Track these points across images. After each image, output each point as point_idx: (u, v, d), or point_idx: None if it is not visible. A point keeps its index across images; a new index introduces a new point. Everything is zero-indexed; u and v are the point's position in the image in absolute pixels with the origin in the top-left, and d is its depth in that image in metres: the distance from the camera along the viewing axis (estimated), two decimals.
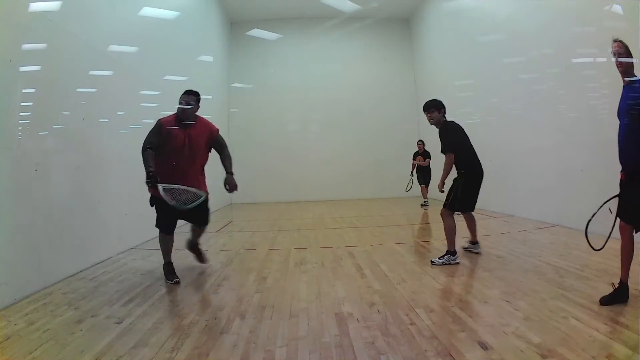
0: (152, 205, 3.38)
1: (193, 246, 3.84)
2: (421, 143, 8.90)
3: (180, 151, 3.33)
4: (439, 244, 4.61)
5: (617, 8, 4.23)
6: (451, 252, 3.69)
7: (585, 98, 4.80)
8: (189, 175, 3.34)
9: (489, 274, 3.33)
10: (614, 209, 2.54)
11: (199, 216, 3.53)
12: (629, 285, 2.48)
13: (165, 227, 3.42)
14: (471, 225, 4.08)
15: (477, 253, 3.99)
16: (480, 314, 2.43)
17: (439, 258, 3.69)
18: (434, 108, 3.88)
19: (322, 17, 10.59)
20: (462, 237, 4.10)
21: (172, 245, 3.49)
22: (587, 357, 1.83)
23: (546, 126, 5.66)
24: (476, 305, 2.59)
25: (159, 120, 3.38)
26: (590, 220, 2.56)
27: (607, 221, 2.54)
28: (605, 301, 2.43)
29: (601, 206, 2.58)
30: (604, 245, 2.59)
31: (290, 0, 10.75)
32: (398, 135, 11.34)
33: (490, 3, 7.24)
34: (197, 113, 3.48)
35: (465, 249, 4.12)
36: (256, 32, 11.35)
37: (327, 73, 11.70)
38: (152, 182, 3.09)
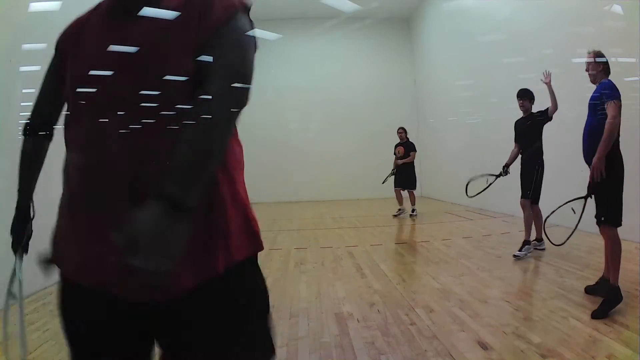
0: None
1: None
2: (402, 131, 7.14)
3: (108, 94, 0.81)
4: (439, 244, 4.62)
5: (617, 8, 4.23)
6: (528, 241, 3.77)
7: (585, 98, 4.78)
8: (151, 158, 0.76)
9: (489, 274, 3.33)
10: (577, 209, 2.63)
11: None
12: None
13: None
14: (538, 221, 3.92)
15: (543, 250, 3.92)
16: (480, 314, 2.44)
17: (519, 250, 3.73)
18: (529, 99, 4.10)
19: (322, 17, 10.55)
20: (462, 238, 4.08)
21: None
22: (587, 357, 1.83)
23: (546, 126, 5.65)
24: (476, 305, 2.59)
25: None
26: (548, 216, 2.82)
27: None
28: (598, 314, 2.26)
29: (562, 205, 2.69)
30: (565, 241, 2.84)
31: (290, 0, 10.75)
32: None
33: (490, 3, 7.23)
34: None
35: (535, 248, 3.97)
36: (256, 32, 11.34)
37: (327, 73, 11.69)
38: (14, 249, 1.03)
